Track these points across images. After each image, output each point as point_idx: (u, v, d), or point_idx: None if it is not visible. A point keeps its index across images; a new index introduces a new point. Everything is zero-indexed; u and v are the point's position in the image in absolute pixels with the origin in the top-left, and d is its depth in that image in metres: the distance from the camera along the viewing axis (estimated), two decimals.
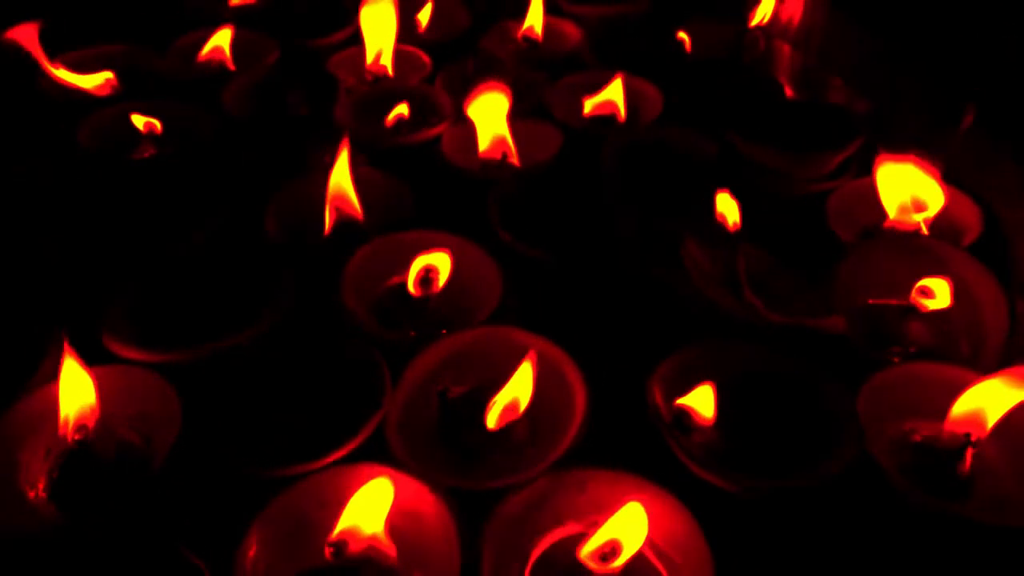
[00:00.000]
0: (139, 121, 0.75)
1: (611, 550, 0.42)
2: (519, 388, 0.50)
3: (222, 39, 0.86)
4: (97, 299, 0.56)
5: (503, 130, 0.73)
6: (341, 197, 0.64)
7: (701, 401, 0.48)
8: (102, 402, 0.49)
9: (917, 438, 0.50)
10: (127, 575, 0.44)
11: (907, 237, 0.62)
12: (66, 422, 0.49)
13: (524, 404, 0.50)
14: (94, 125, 0.75)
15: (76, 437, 0.48)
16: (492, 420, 0.50)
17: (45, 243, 0.63)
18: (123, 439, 0.51)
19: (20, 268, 0.63)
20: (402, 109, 0.77)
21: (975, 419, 0.48)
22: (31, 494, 0.47)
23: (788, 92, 0.84)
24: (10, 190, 0.69)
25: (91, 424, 0.49)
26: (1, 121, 0.78)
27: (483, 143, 0.73)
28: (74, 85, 0.80)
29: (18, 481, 0.48)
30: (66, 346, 0.49)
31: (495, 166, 0.73)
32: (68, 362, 0.49)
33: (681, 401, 0.49)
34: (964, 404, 0.49)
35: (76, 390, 0.49)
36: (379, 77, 0.84)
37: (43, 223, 0.65)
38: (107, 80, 0.82)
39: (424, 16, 0.94)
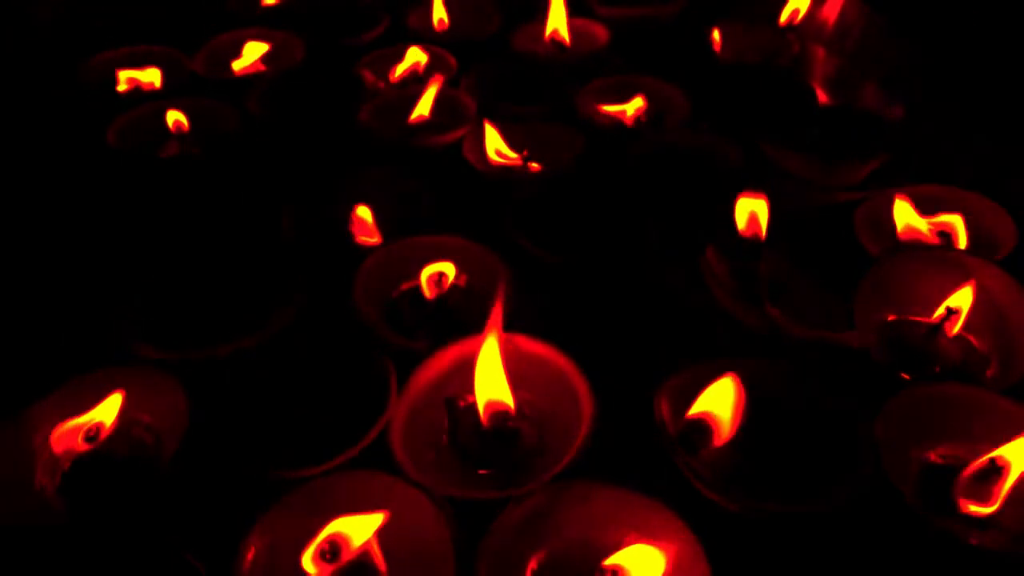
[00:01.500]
0: (171, 118, 0.76)
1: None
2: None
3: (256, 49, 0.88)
4: (114, 295, 0.57)
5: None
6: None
7: (719, 402, 0.47)
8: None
9: (939, 462, 0.48)
10: (126, 573, 0.44)
11: (936, 250, 0.60)
12: (90, 424, 0.50)
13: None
14: (124, 124, 0.76)
15: (92, 436, 0.49)
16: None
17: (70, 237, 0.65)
18: (135, 438, 0.52)
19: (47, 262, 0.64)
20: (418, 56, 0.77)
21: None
22: (43, 486, 0.48)
23: (821, 97, 0.82)
24: (40, 181, 0.70)
25: (111, 426, 0.50)
26: (38, 113, 0.79)
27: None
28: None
29: (31, 472, 0.49)
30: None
31: (515, 169, 0.72)
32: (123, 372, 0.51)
33: (695, 411, 0.47)
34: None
35: (114, 401, 0.50)
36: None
37: (69, 217, 0.67)
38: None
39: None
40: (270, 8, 0.98)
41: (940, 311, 0.55)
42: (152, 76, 0.84)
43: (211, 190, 0.71)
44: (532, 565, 0.44)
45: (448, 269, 0.58)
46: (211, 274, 0.61)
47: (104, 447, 0.49)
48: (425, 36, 0.92)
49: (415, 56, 0.86)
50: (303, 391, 0.54)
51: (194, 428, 0.48)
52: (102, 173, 0.71)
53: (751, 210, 0.63)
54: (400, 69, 0.86)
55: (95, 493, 0.48)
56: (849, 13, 0.87)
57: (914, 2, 0.79)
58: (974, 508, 0.45)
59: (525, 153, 0.72)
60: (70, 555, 0.45)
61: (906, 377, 0.54)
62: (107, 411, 0.50)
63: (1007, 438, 0.46)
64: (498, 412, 0.49)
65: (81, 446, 0.49)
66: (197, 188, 0.71)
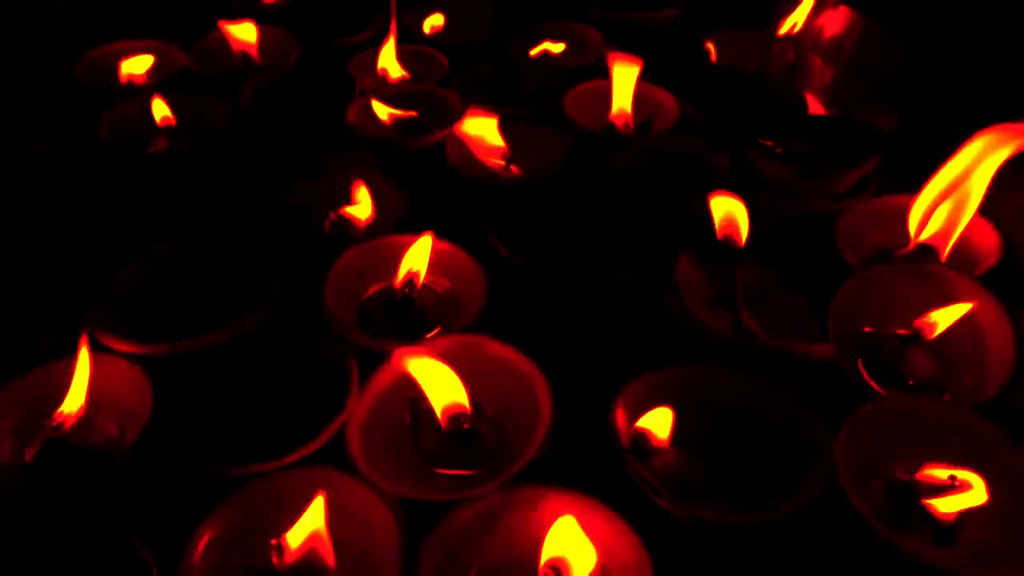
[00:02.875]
0: (159, 111, 0.77)
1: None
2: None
3: (247, 34, 0.88)
4: (88, 287, 0.58)
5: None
6: None
7: (658, 423, 0.47)
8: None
9: (905, 478, 0.47)
10: (77, 561, 0.44)
11: (913, 263, 0.59)
12: (59, 411, 0.50)
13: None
14: (115, 119, 0.76)
15: (57, 424, 0.50)
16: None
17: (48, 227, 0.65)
18: (101, 429, 0.52)
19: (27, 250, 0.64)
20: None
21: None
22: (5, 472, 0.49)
23: (813, 105, 0.81)
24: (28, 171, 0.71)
25: (78, 415, 0.50)
26: (30, 103, 0.80)
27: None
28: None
29: None
30: (86, 343, 0.51)
31: (499, 172, 0.72)
32: (83, 358, 0.51)
33: (639, 424, 0.47)
34: None
35: (81, 385, 0.51)
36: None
37: (52, 207, 0.67)
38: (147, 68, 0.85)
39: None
40: (269, 6, 0.98)
41: (915, 324, 0.54)
42: (143, 64, 0.84)
43: (197, 185, 0.72)
44: (478, 568, 0.44)
45: (421, 269, 0.58)
46: (190, 269, 0.61)
47: (69, 435, 0.50)
48: (418, 37, 0.92)
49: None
50: (269, 388, 0.54)
51: (155, 421, 0.49)
52: (92, 167, 0.71)
53: (728, 212, 0.62)
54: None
55: (57, 480, 0.49)
56: (844, 22, 0.86)
57: (908, 11, 0.78)
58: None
59: (507, 154, 0.71)
60: (26, 543, 0.45)
61: (878, 390, 0.53)
62: (74, 400, 0.51)
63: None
64: (456, 414, 0.49)
65: (46, 433, 0.50)
66: (183, 183, 0.72)
